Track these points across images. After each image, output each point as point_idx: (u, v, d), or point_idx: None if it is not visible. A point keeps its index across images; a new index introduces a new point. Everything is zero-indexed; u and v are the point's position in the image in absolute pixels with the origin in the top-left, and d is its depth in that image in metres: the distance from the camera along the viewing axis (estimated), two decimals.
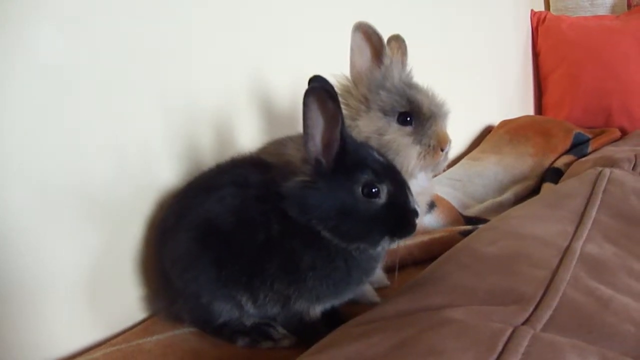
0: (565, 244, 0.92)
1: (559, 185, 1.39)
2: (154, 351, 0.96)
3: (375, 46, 1.00)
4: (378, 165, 0.84)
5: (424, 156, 0.98)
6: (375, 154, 0.86)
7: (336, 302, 0.93)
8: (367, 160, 0.83)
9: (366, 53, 1.01)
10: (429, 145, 0.98)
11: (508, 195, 1.70)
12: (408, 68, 1.06)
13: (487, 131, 2.33)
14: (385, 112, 0.98)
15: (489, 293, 0.78)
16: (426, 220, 1.43)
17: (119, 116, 1.04)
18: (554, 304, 0.73)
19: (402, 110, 0.98)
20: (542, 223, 1.02)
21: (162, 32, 1.10)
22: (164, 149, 1.12)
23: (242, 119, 1.28)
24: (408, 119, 0.98)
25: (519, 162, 1.92)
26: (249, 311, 0.93)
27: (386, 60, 1.01)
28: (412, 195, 0.86)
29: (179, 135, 1.15)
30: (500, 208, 1.61)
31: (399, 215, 0.84)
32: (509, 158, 1.95)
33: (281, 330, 0.96)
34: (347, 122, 0.97)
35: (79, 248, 1.00)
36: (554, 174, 1.78)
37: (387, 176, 0.84)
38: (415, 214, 0.85)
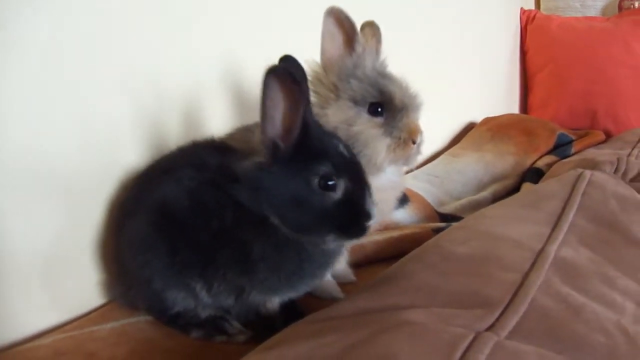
0: (539, 246, 0.88)
1: (537, 185, 1.35)
2: (106, 339, 0.92)
3: (348, 33, 0.95)
4: (340, 158, 0.79)
5: (394, 149, 0.93)
6: (341, 147, 0.81)
7: (292, 295, 0.89)
8: (329, 152, 0.79)
9: (338, 39, 0.96)
10: (400, 138, 0.93)
11: (486, 193, 1.67)
12: (382, 56, 1.01)
13: (469, 128, 2.30)
14: (356, 102, 0.93)
15: (453, 295, 0.73)
16: (399, 215, 1.38)
17: (84, 96, 1.00)
18: (522, 309, 0.69)
19: (373, 100, 0.93)
20: (517, 224, 0.98)
21: (133, 9, 1.06)
22: (130, 131, 1.08)
23: (212, 103, 1.23)
24: (379, 109, 0.93)
25: (500, 161, 1.88)
26: (204, 300, 0.88)
27: (358, 48, 0.95)
28: (371, 197, 0.81)
29: (145, 117, 1.10)
30: (477, 206, 1.59)
31: (352, 214, 0.79)
32: (489, 156, 1.91)
33: (236, 324, 0.92)
34: (316, 110, 0.92)
35: (37, 227, 0.96)
36: (534, 174, 1.75)
37: (348, 171, 0.79)
38: (368, 217, 0.80)
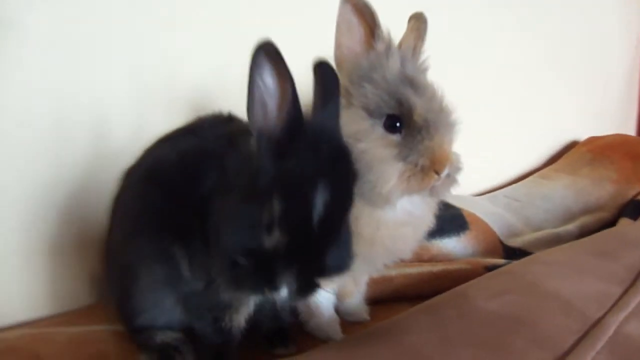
0: (597, 314, 0.68)
1: (623, 227, 1.10)
2: (59, 344, 0.87)
3: (369, 25, 0.77)
4: (302, 210, 0.62)
5: (408, 177, 0.72)
6: (321, 197, 0.62)
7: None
8: (302, 190, 0.62)
9: (356, 33, 0.78)
10: (416, 165, 0.72)
11: (572, 227, 1.41)
12: (422, 57, 0.82)
13: (570, 146, 2.05)
14: (370, 112, 0.75)
15: None
16: (450, 244, 1.17)
17: (94, 83, 1.02)
18: None
19: (390, 112, 0.74)
20: (578, 277, 0.79)
21: None
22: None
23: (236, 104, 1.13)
24: (397, 124, 0.74)
25: (597, 188, 1.62)
26: (184, 274, 0.78)
27: (379, 45, 0.77)
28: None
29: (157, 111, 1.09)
30: (557, 241, 1.35)
31: (261, 270, 0.62)
32: (584, 181, 1.65)
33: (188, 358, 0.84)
34: None
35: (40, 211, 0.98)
36: (635, 209, 1.47)
37: (300, 233, 0.62)
38: (275, 289, 0.62)
